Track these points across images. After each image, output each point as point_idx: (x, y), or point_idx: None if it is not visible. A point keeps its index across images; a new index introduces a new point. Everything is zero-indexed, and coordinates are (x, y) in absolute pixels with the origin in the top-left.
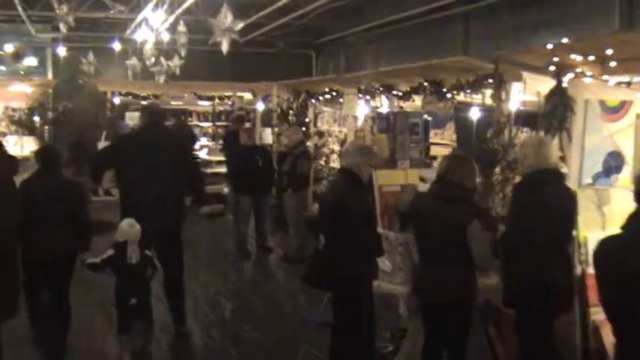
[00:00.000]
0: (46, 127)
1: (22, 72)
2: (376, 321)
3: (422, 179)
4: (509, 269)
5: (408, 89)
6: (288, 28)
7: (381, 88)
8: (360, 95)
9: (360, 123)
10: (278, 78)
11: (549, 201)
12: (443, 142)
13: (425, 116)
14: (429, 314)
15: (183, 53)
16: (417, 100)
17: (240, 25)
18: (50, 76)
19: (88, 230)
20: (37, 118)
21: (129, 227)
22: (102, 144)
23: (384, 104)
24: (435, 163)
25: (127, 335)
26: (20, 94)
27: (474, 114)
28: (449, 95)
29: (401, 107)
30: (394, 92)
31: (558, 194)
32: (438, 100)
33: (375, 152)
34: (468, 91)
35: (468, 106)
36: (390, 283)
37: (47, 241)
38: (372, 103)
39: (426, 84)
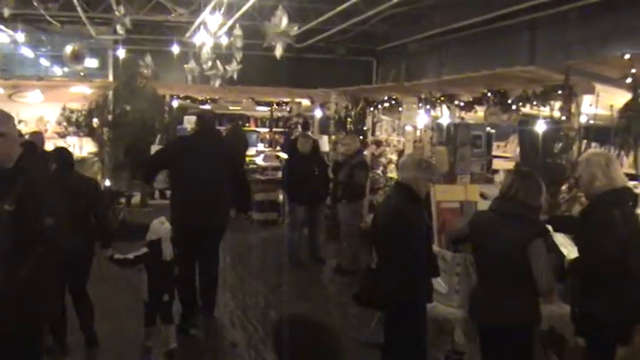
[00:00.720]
0: (105, 129)
1: (82, 73)
2: (429, 344)
3: (483, 195)
4: (580, 296)
5: (471, 99)
6: (349, 35)
7: (442, 98)
8: (420, 104)
9: (418, 133)
10: (337, 85)
11: (619, 227)
12: (505, 155)
13: (488, 128)
14: (487, 339)
15: (238, 57)
16: (480, 112)
17: (295, 29)
18: (111, 78)
19: (107, 227)
20: (95, 120)
21: (160, 225)
22: (155, 147)
23: (444, 114)
24: (497, 178)
25: (155, 329)
26: (79, 95)
27: (540, 127)
28: (514, 107)
29: (462, 118)
30: (456, 102)
31: (629, 219)
32: (502, 112)
33: (435, 166)
34: (535, 102)
35: (533, 118)
36: (446, 306)
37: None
38: (432, 113)
39: (490, 94)
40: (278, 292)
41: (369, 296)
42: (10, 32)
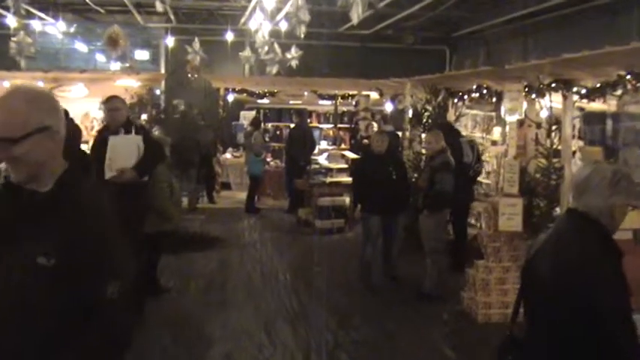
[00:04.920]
0: (155, 126)
1: (127, 64)
2: None
3: None
4: None
5: (597, 85)
6: (419, 20)
7: (553, 84)
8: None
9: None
10: (405, 77)
11: None
12: None
13: None
14: None
15: (302, 33)
16: (612, 101)
17: None
18: (163, 70)
19: None
20: (144, 117)
21: None
22: None
23: (546, 106)
24: None
25: None
26: (125, 89)
27: None
28: None
29: (582, 109)
30: (575, 89)
31: None
32: None
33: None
34: None
35: None
36: None
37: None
38: (537, 105)
39: (628, 77)
40: (349, 325)
41: None
42: (50, 19)
